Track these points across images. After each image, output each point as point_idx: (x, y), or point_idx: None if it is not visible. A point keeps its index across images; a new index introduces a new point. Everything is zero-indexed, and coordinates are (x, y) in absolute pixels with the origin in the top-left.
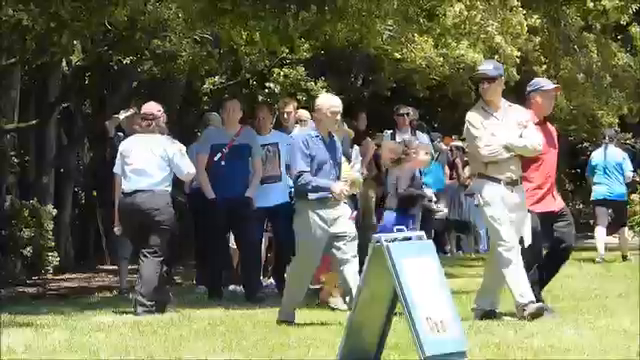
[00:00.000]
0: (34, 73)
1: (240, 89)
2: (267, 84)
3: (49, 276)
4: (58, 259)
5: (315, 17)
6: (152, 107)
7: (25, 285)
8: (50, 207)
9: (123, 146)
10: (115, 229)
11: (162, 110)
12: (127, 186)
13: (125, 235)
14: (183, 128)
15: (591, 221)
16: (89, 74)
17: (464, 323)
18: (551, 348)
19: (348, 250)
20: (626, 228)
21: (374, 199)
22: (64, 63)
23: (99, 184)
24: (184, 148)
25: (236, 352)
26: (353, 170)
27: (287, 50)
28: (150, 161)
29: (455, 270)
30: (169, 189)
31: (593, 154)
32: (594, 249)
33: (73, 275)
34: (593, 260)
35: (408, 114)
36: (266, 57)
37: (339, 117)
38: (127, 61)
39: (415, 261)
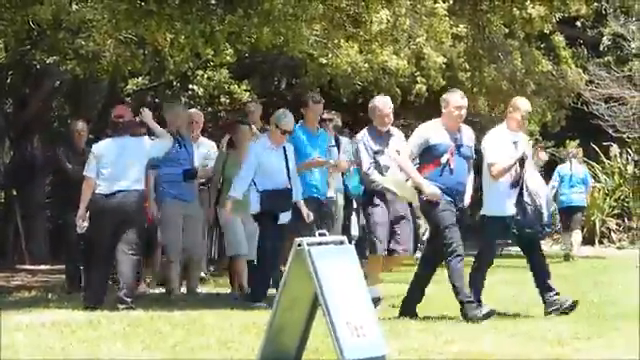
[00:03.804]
0: None
1: (163, 91)
2: (191, 86)
3: None
4: None
5: (241, 20)
6: (122, 110)
7: None
8: None
9: (98, 149)
10: (78, 228)
11: (130, 112)
12: (108, 187)
13: (96, 234)
14: (104, 128)
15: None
16: (11, 73)
17: (383, 328)
18: (471, 354)
19: None
20: (579, 231)
21: None
22: None
23: (19, 184)
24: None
25: (156, 353)
26: None
27: (211, 52)
28: (128, 163)
29: None
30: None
31: (560, 168)
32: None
33: None
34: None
35: (332, 120)
36: (190, 59)
37: None
38: (50, 60)
39: (336, 265)
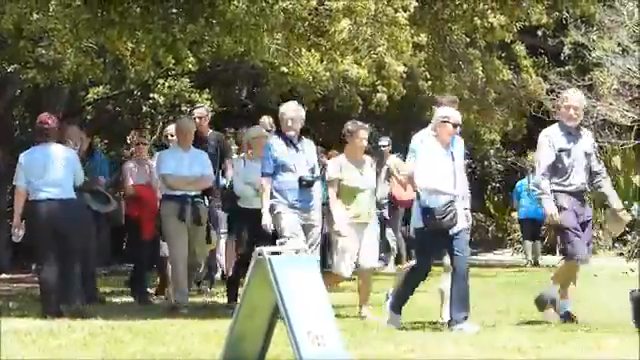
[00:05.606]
0: None
1: (124, 99)
2: (151, 95)
3: None
4: None
5: (203, 30)
6: (46, 117)
7: None
8: None
9: (25, 157)
10: (14, 237)
11: (55, 119)
12: (39, 195)
13: (35, 241)
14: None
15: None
16: None
17: (344, 337)
18: None
19: None
20: (538, 241)
21: None
22: None
23: None
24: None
25: None
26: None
27: (172, 61)
28: (56, 170)
29: None
30: None
31: (520, 182)
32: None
33: None
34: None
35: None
36: (151, 68)
37: None
38: (11, 69)
39: (297, 274)
